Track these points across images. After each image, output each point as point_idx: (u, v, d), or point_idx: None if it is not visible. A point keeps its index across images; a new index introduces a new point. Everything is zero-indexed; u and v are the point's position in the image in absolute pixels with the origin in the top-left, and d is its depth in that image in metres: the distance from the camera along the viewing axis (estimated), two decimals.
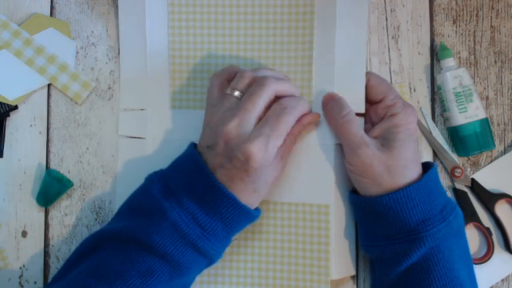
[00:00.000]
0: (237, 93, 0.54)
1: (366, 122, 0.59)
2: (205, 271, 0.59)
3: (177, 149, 0.60)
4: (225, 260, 0.60)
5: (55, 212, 0.61)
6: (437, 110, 0.63)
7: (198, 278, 0.59)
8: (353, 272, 0.60)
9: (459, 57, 0.63)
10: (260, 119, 0.53)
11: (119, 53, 0.62)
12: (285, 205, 0.60)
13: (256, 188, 0.53)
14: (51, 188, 0.60)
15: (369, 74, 0.59)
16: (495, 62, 0.63)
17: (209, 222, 0.51)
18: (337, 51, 0.60)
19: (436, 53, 0.63)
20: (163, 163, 0.57)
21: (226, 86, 0.55)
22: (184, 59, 0.61)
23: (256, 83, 0.54)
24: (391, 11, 0.63)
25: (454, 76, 0.60)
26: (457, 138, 0.61)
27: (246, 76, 0.54)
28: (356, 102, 0.58)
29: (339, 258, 0.60)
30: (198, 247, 0.51)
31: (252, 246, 0.60)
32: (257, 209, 0.55)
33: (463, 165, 0.62)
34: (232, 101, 0.54)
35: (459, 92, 0.60)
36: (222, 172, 0.51)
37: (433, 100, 0.63)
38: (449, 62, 0.61)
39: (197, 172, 0.52)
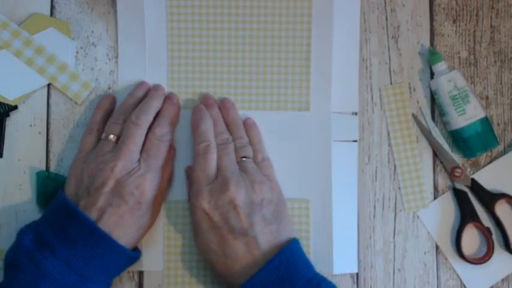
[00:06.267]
0: (111, 136, 0.56)
1: None
2: (195, 271, 0.60)
3: (176, 149, 0.60)
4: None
5: None
6: (438, 110, 0.63)
7: (194, 279, 0.60)
8: (355, 270, 0.60)
9: (459, 57, 0.63)
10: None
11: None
12: None
13: (141, 225, 0.55)
14: (48, 188, 0.59)
15: None
16: (495, 61, 0.64)
17: (86, 268, 0.51)
18: (334, 52, 0.61)
19: (428, 59, 0.63)
20: None
21: (100, 130, 0.58)
22: (182, 59, 0.61)
23: (131, 122, 0.55)
24: (391, 10, 0.63)
25: (448, 80, 0.60)
26: (460, 140, 0.61)
27: (119, 118, 0.57)
28: (350, 101, 0.61)
29: (340, 253, 0.60)
30: None
31: None
32: (136, 251, 0.57)
33: (463, 165, 0.62)
34: (109, 145, 0.55)
35: (455, 95, 0.60)
36: (111, 212, 0.52)
37: (433, 100, 0.63)
38: (441, 66, 0.61)
39: (70, 218, 0.52)
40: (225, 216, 0.53)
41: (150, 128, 0.57)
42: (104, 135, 0.56)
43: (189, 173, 0.59)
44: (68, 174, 0.56)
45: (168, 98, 0.60)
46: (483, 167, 0.63)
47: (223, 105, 0.60)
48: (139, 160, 0.55)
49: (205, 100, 0.60)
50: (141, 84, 0.60)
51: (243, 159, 0.56)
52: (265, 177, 0.56)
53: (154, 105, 0.58)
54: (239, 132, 0.58)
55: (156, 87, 0.60)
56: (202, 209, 0.54)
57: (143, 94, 0.60)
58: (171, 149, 0.59)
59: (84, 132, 0.58)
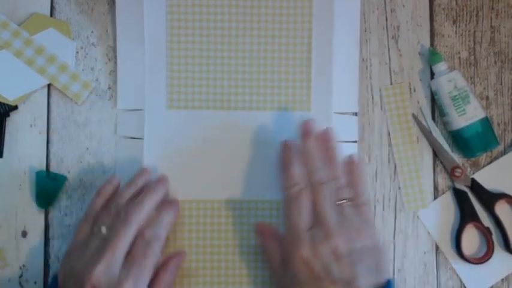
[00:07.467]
0: (103, 228, 0.52)
1: None
2: (194, 271, 0.59)
3: (174, 150, 0.60)
4: (206, 260, 0.60)
5: (55, 212, 0.61)
6: (438, 110, 0.63)
7: (194, 279, 0.60)
8: None
9: (459, 58, 0.63)
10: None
11: None
12: (266, 203, 0.60)
13: None
14: (47, 188, 0.59)
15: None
16: (495, 62, 0.64)
17: None
18: (334, 52, 0.61)
19: (428, 60, 0.63)
20: (160, 163, 0.58)
21: (95, 219, 0.54)
22: (182, 59, 0.61)
23: (120, 219, 0.52)
24: (391, 11, 0.63)
25: (448, 80, 0.60)
26: (461, 140, 0.61)
27: (111, 208, 0.53)
28: (351, 102, 0.62)
29: None
30: None
31: (227, 245, 0.60)
32: None
33: (463, 165, 0.62)
34: (99, 239, 0.52)
35: (455, 96, 0.60)
36: None
37: (433, 100, 0.63)
38: (441, 66, 0.61)
39: None
40: (327, 266, 0.48)
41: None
42: (96, 227, 0.53)
43: (262, 228, 0.57)
44: (60, 265, 0.53)
45: (170, 203, 0.56)
46: (483, 167, 0.63)
47: (322, 136, 0.54)
48: (124, 262, 0.51)
49: (304, 127, 0.55)
50: (142, 172, 0.57)
51: (341, 201, 0.52)
52: (364, 222, 0.51)
53: (149, 202, 0.54)
54: (336, 170, 0.53)
55: (159, 180, 0.57)
56: (302, 258, 0.49)
57: (143, 184, 0.56)
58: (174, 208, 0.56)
59: (81, 220, 0.55)
